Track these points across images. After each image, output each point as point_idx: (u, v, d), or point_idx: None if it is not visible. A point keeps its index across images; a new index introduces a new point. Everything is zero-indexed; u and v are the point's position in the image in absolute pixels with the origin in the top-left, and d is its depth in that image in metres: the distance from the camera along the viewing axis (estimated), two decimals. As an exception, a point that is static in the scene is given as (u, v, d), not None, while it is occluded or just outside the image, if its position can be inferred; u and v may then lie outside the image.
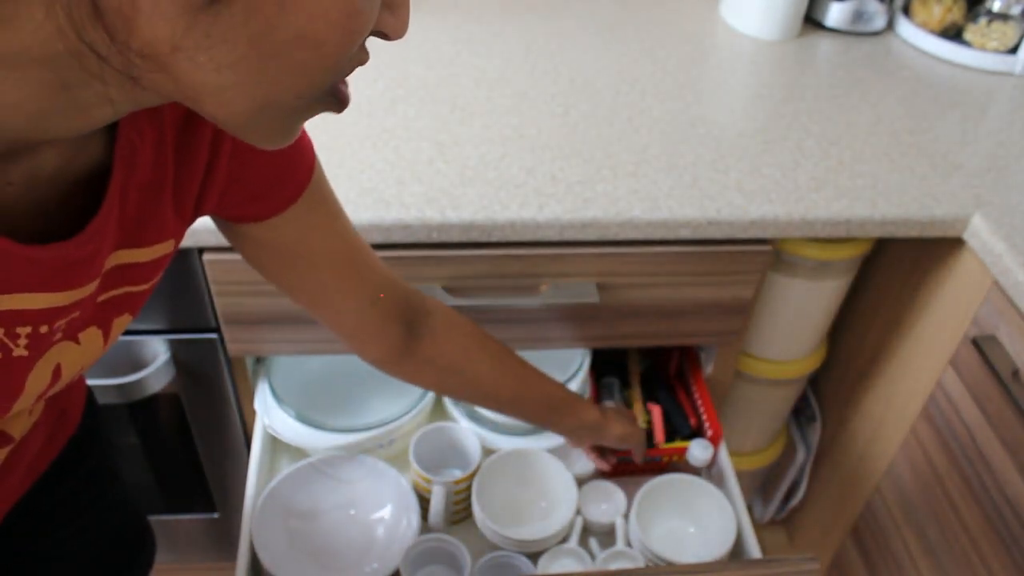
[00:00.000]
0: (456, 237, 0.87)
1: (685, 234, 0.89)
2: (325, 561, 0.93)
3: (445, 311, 0.76)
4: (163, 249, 0.51)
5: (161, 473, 1.17)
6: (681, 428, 1.06)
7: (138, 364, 0.98)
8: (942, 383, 1.00)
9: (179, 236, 0.52)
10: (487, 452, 0.99)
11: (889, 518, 1.14)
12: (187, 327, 0.97)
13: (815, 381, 1.36)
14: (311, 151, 0.58)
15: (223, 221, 0.58)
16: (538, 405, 0.85)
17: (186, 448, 1.13)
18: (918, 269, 1.06)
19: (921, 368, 1.06)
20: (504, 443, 1.01)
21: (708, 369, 1.10)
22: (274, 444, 1.05)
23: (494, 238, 0.87)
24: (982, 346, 0.90)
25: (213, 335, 0.98)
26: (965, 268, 0.96)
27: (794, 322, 1.12)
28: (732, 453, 1.34)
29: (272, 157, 0.53)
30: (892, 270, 1.13)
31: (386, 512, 0.96)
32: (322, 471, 0.96)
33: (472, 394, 0.83)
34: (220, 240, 0.84)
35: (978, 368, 0.93)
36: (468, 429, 1.01)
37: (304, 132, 0.56)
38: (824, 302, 1.11)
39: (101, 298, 0.48)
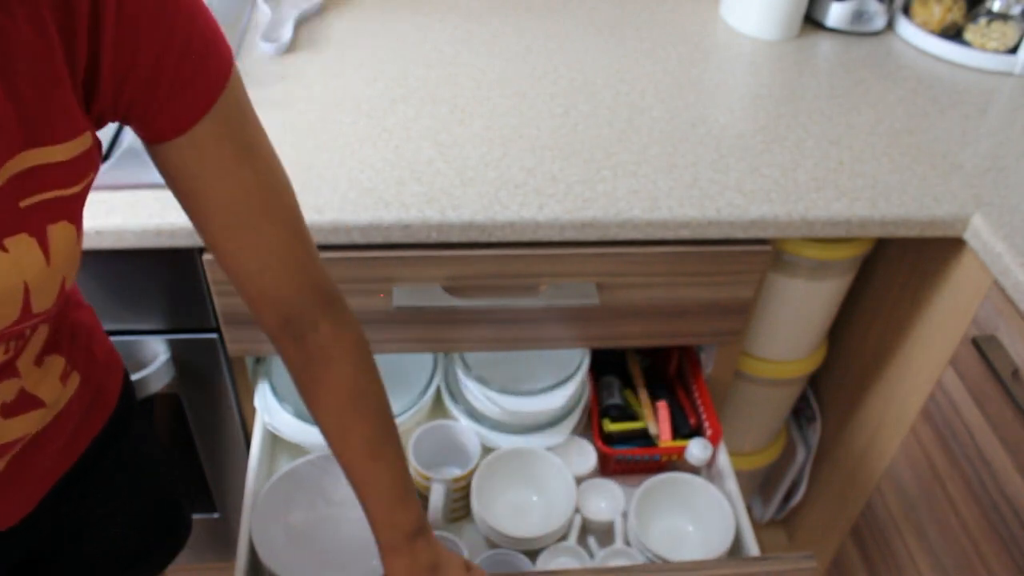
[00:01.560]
0: (456, 237, 0.87)
1: (685, 234, 0.89)
2: (324, 558, 0.93)
3: (333, 338, 0.65)
4: (81, 145, 0.48)
5: (161, 473, 1.18)
6: (681, 427, 1.06)
7: (138, 364, 0.98)
8: (942, 383, 1.00)
9: (92, 130, 0.49)
10: (486, 450, 0.99)
11: (889, 518, 1.14)
12: (187, 327, 0.97)
13: (815, 381, 1.36)
14: (228, 54, 0.52)
15: (144, 142, 0.54)
16: (358, 493, 0.71)
17: (186, 448, 1.13)
18: (918, 269, 1.06)
19: (921, 368, 1.06)
20: (503, 442, 1.01)
21: (708, 369, 1.10)
22: (274, 443, 1.05)
23: (494, 238, 0.87)
24: (982, 346, 0.90)
25: (213, 335, 0.98)
26: (965, 268, 0.96)
27: (794, 322, 1.12)
28: (732, 453, 1.34)
29: (169, 37, 0.48)
30: (892, 270, 1.13)
31: None
32: (322, 468, 0.97)
33: (311, 413, 0.71)
34: (220, 240, 0.84)
35: (978, 368, 0.93)
36: (468, 427, 1.01)
37: (222, 37, 0.52)
38: (824, 302, 1.11)
39: (25, 203, 0.46)
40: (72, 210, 0.50)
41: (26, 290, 0.48)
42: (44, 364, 0.60)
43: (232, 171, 0.55)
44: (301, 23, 1.20)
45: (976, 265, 0.94)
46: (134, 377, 0.96)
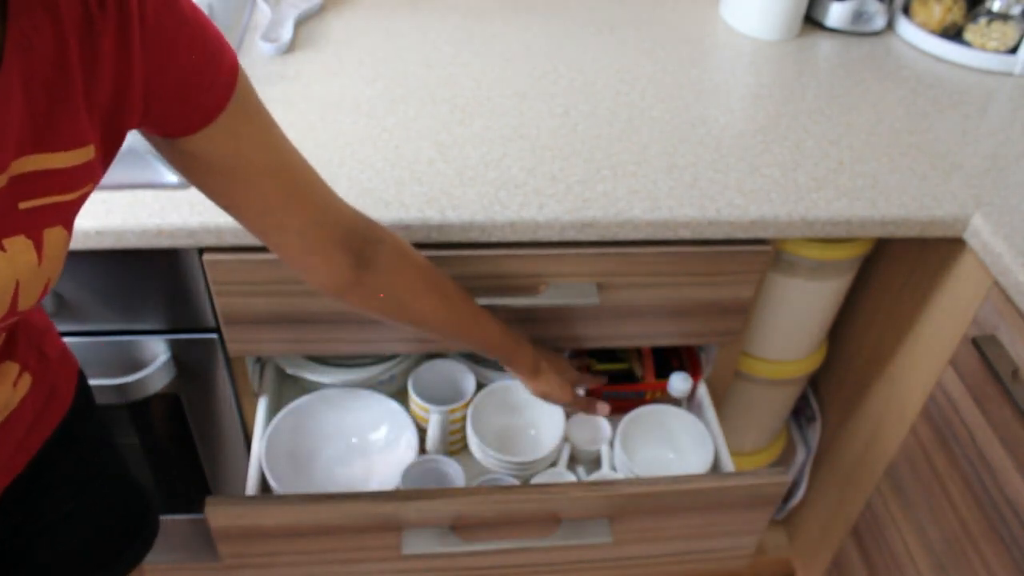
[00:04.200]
0: (456, 237, 0.87)
1: (685, 234, 0.89)
2: (320, 476, 1.01)
3: (395, 242, 0.76)
4: (83, 155, 0.51)
5: (161, 473, 1.17)
6: (664, 372, 1.11)
7: (138, 364, 0.98)
8: (942, 383, 1.00)
9: (99, 143, 0.52)
10: (481, 386, 1.06)
11: (889, 518, 1.14)
12: (187, 327, 0.97)
13: (815, 381, 1.36)
14: (232, 55, 0.58)
15: (159, 139, 0.58)
16: (476, 345, 0.90)
17: (186, 448, 1.13)
18: (918, 269, 1.06)
19: (921, 368, 1.06)
20: (498, 378, 1.08)
21: (708, 369, 1.10)
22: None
23: (494, 238, 0.87)
24: (982, 346, 0.90)
25: (213, 335, 0.98)
26: (965, 268, 0.96)
27: (794, 322, 1.12)
28: (732, 453, 1.34)
29: (190, 51, 0.53)
30: (892, 270, 1.13)
31: (382, 432, 1.04)
32: (327, 400, 1.03)
33: (412, 324, 0.83)
34: (220, 240, 0.84)
35: (978, 368, 0.93)
36: (463, 365, 1.08)
37: (223, 39, 0.57)
38: (824, 302, 1.11)
39: (24, 205, 0.48)
40: (68, 216, 0.52)
41: (16, 288, 0.50)
42: None
43: (264, 139, 0.62)
44: (301, 23, 1.20)
45: (976, 265, 0.94)
46: (134, 377, 0.97)
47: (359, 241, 0.72)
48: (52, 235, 0.51)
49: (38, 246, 0.50)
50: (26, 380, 0.65)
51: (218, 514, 0.84)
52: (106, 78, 0.50)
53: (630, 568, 1.00)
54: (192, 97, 0.55)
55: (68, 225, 0.53)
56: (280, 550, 0.89)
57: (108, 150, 0.54)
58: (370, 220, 0.74)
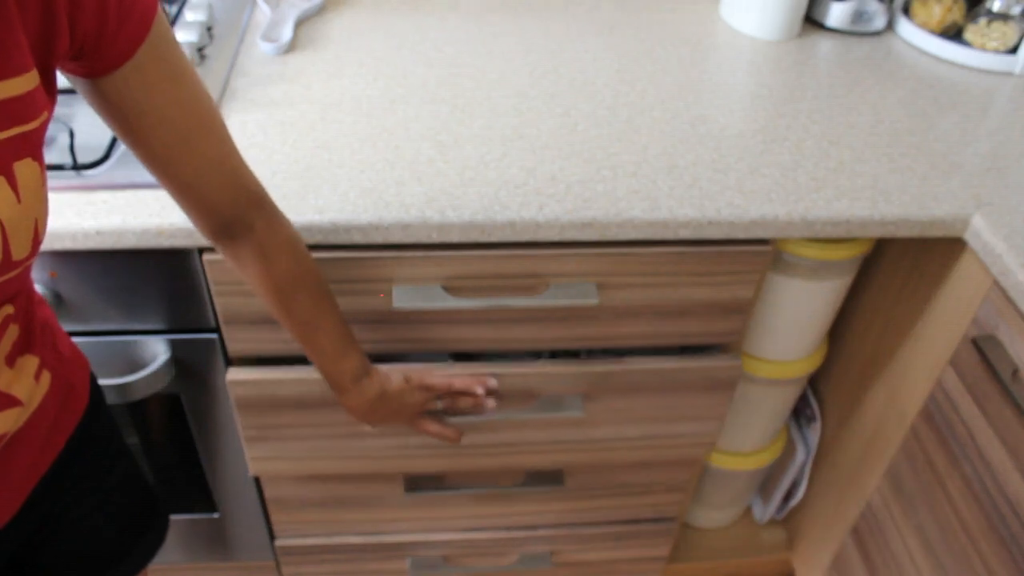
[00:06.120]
0: (456, 237, 0.87)
1: (685, 234, 0.89)
2: None
3: (265, 236, 0.73)
4: (32, 81, 0.51)
5: (161, 473, 1.17)
6: None
7: (138, 364, 0.98)
8: (942, 383, 1.00)
9: (38, 70, 0.52)
10: None
11: (889, 518, 1.14)
12: (187, 327, 0.97)
13: (815, 381, 1.37)
14: None
15: (82, 82, 0.59)
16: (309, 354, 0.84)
17: (186, 448, 1.13)
18: (918, 269, 1.06)
19: (921, 368, 1.06)
20: None
21: (708, 369, 1.11)
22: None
23: (494, 238, 0.87)
24: (982, 346, 0.90)
25: (213, 335, 0.98)
26: (965, 268, 0.96)
27: (794, 322, 1.12)
28: (732, 453, 1.34)
29: None
30: (892, 270, 1.13)
31: None
32: None
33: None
34: (220, 240, 0.84)
35: (978, 368, 0.93)
36: None
37: None
38: (824, 302, 1.11)
39: None
40: (33, 146, 0.53)
41: (3, 231, 0.50)
42: (17, 364, 0.61)
43: (170, 89, 0.61)
44: (301, 23, 1.20)
45: (976, 265, 0.94)
46: (134, 377, 0.97)
47: (234, 213, 0.70)
48: (23, 168, 0.51)
49: (11, 182, 0.50)
50: (47, 377, 0.65)
51: (239, 383, 0.95)
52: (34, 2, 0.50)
53: (602, 452, 1.10)
54: (110, 22, 0.54)
55: (36, 156, 0.53)
56: (291, 423, 1.00)
57: (47, 79, 0.54)
58: (255, 202, 0.72)
